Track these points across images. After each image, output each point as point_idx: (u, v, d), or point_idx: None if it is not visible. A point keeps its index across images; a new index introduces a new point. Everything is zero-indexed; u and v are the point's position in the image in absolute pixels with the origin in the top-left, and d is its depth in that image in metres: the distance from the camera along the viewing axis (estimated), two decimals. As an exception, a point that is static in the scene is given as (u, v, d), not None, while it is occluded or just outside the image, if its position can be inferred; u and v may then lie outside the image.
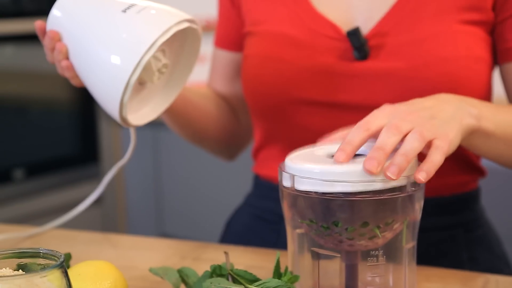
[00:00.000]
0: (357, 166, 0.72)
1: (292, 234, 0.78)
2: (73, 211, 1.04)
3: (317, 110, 0.99)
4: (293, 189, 0.75)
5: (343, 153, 0.74)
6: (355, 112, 0.95)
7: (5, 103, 2.55)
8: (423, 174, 0.73)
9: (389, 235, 0.75)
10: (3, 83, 2.54)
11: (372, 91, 0.96)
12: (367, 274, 0.76)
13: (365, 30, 0.97)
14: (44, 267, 0.65)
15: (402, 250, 0.76)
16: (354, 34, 0.95)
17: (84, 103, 2.75)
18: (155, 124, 2.76)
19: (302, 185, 0.74)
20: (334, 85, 0.97)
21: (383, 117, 0.77)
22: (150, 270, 0.82)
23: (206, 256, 0.98)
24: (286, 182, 0.76)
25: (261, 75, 1.01)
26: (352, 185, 0.71)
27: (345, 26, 0.98)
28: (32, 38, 2.52)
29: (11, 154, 2.54)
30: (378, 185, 0.72)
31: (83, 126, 2.77)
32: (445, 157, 0.76)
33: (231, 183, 2.53)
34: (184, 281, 0.81)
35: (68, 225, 1.12)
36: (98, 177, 2.80)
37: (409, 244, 0.77)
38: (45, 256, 0.66)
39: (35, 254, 0.66)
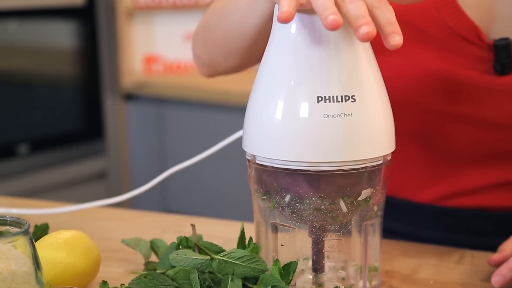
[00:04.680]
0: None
1: (255, 207, 0.79)
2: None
3: (439, 119, 0.90)
4: (254, 161, 0.75)
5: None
6: (482, 127, 0.88)
7: (10, 79, 2.57)
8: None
9: (350, 210, 0.75)
10: (8, 59, 2.56)
11: (504, 107, 0.87)
12: (332, 248, 0.76)
13: (504, 35, 0.86)
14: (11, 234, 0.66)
15: (362, 226, 0.77)
16: (504, 48, 0.84)
17: (89, 79, 2.76)
18: (160, 101, 2.78)
19: (261, 161, 0.75)
20: (462, 96, 0.88)
21: None
22: (122, 241, 0.83)
23: (188, 229, 0.98)
24: (249, 156, 0.77)
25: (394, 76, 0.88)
26: (304, 166, 0.72)
27: (484, 28, 0.86)
28: (36, 14, 2.53)
29: (15, 129, 2.56)
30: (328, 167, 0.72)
31: (88, 101, 2.78)
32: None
33: (235, 159, 2.54)
34: (155, 252, 0.82)
35: (73, 200, 1.13)
36: (102, 153, 2.82)
37: (371, 220, 0.77)
38: (11, 223, 0.67)
39: (3, 222, 0.67)
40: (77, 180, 2.73)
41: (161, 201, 2.80)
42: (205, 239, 0.81)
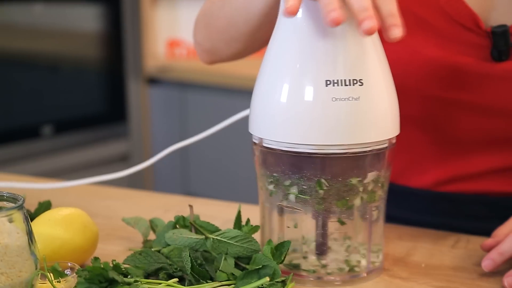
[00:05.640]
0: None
1: (261, 189, 0.80)
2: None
3: (438, 105, 0.90)
4: (260, 144, 0.76)
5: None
6: (481, 113, 0.89)
7: (34, 61, 2.61)
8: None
9: (354, 193, 0.76)
10: (33, 41, 2.59)
11: (501, 93, 0.87)
12: (336, 229, 0.77)
13: (501, 22, 0.85)
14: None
15: (367, 208, 0.78)
16: (502, 35, 0.84)
17: (113, 62, 2.79)
18: (182, 85, 2.80)
19: (269, 144, 0.76)
20: (460, 82, 0.88)
21: None
22: (123, 219, 0.85)
23: (190, 210, 1.00)
24: (255, 139, 0.78)
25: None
26: (311, 148, 0.73)
27: (482, 15, 0.86)
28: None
29: (40, 111, 2.60)
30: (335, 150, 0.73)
31: (112, 85, 2.81)
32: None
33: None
34: (153, 230, 0.84)
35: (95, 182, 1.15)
36: (125, 136, 2.85)
37: (375, 203, 0.78)
38: (8, 199, 0.69)
39: (-1, 198, 0.70)
40: (100, 162, 2.76)
41: (182, 186, 2.83)
42: (206, 219, 0.82)
